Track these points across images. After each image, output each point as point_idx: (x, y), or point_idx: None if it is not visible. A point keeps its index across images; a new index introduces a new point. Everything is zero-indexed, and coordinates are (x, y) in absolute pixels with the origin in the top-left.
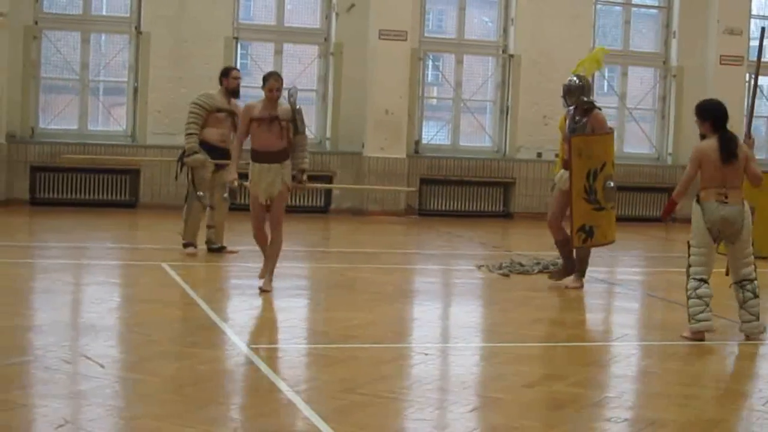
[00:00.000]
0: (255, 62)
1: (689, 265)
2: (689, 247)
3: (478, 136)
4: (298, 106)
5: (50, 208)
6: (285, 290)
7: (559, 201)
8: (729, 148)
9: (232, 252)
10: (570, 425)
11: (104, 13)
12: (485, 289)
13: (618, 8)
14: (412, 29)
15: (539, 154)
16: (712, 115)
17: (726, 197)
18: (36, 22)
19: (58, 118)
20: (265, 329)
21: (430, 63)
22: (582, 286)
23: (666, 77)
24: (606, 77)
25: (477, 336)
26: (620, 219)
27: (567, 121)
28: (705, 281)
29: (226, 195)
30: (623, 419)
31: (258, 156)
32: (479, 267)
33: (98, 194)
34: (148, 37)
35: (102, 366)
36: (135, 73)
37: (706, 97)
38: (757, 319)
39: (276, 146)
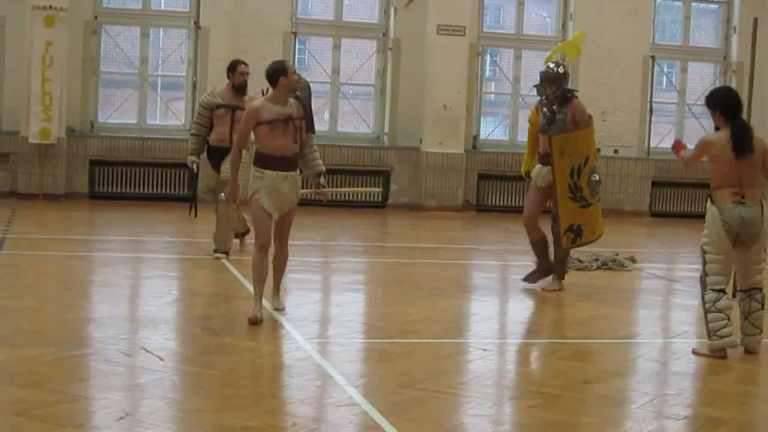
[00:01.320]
0: (313, 57)
1: (705, 274)
2: (704, 253)
3: None
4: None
5: (109, 202)
6: (343, 285)
7: (536, 198)
8: (743, 140)
9: (221, 258)
10: (629, 422)
11: (163, 7)
12: (544, 284)
13: (678, 3)
14: (471, 24)
15: (598, 150)
16: (723, 103)
17: (743, 197)
18: (96, 17)
19: (117, 113)
20: (323, 323)
21: (488, 58)
22: (561, 289)
23: (726, 73)
24: (665, 73)
25: (535, 332)
26: (681, 216)
27: (540, 113)
28: (724, 292)
29: (222, 195)
30: (682, 417)
31: (272, 163)
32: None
33: (156, 188)
34: (207, 31)
35: (161, 359)
36: (194, 67)
37: (766, 94)
38: (761, 332)
39: (292, 150)
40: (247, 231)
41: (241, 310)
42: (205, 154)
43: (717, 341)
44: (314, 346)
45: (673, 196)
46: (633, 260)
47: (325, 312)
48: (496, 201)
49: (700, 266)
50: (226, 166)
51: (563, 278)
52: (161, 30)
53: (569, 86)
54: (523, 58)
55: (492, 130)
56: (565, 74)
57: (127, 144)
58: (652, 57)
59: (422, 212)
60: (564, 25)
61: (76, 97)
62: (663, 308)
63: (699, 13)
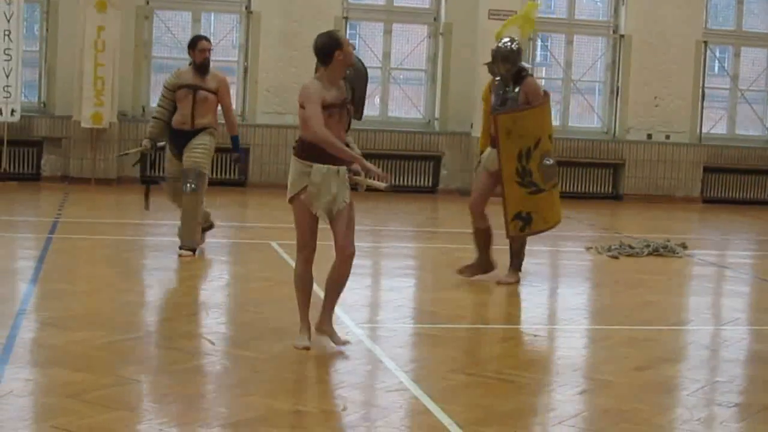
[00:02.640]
0: (365, 42)
1: None
2: None
3: (587, 117)
4: None
5: (160, 187)
6: (393, 270)
7: (484, 183)
8: None
9: (186, 256)
10: (681, 409)
11: None
12: (594, 271)
13: None
14: (521, 9)
15: (649, 136)
16: None
17: None
18: (147, 2)
19: None
20: (374, 308)
21: (540, 43)
22: (518, 281)
23: None
24: (717, 58)
25: (586, 318)
26: (733, 202)
27: (493, 92)
28: None
29: (187, 185)
30: (734, 404)
31: (325, 154)
32: (588, 249)
33: (210, 172)
34: (258, 16)
35: (212, 343)
36: (245, 53)
37: None
38: None
39: (344, 140)
40: (211, 226)
41: (293, 295)
42: (167, 138)
43: None
44: (365, 331)
45: (725, 182)
46: (684, 246)
47: (375, 297)
48: None
49: None
50: (190, 153)
51: (520, 269)
52: (212, 15)
53: (522, 63)
54: (575, 43)
55: None
56: (519, 51)
57: None
58: (705, 42)
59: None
60: (616, 10)
61: (128, 82)
62: (714, 295)
63: None
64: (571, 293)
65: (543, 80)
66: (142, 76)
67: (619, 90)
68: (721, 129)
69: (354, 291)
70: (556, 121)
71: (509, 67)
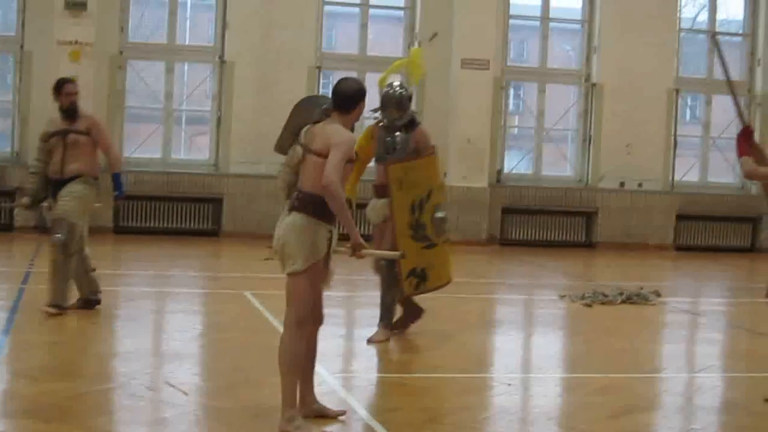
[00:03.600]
0: None
1: None
2: None
3: (560, 166)
4: None
5: (134, 236)
6: (367, 319)
7: (377, 237)
8: None
9: (50, 312)
10: None
11: (188, 42)
12: (568, 319)
13: (702, 36)
14: (495, 58)
15: (622, 184)
16: None
17: None
18: (121, 52)
19: (141, 147)
20: (347, 358)
21: (512, 92)
22: (388, 339)
23: (751, 105)
24: (689, 106)
25: (561, 366)
26: (706, 249)
27: (378, 139)
28: None
29: (56, 236)
30: None
31: (331, 214)
32: (562, 297)
33: (181, 222)
34: (231, 66)
35: (185, 393)
36: (218, 102)
37: None
38: None
39: None
40: (97, 301)
41: (266, 345)
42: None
43: None
44: (339, 381)
45: (698, 229)
46: (657, 294)
47: (349, 346)
48: (520, 235)
49: None
50: (59, 202)
51: (391, 325)
52: (186, 64)
53: (412, 110)
54: (547, 91)
55: (516, 163)
56: (410, 97)
57: (152, 178)
58: (677, 90)
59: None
60: (588, 59)
61: None
62: (688, 342)
63: (723, 46)
64: (545, 341)
65: (516, 129)
66: (116, 125)
67: (591, 138)
68: (693, 176)
69: (328, 340)
70: (528, 169)
71: (402, 113)
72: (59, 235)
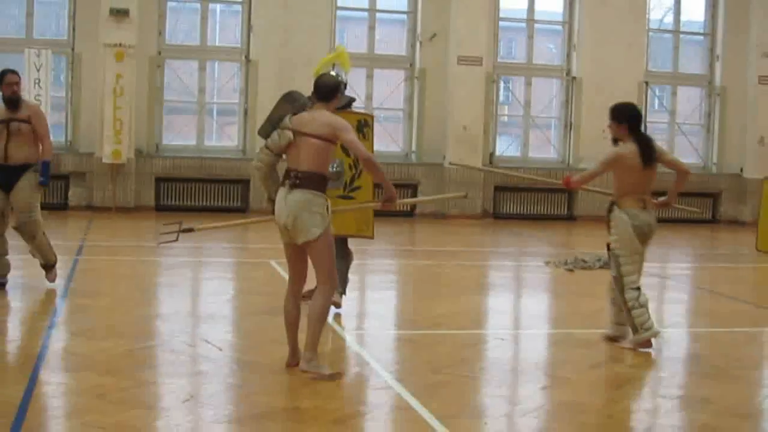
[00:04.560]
0: (349, 85)
1: (621, 275)
2: (617, 257)
3: (545, 149)
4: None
5: (173, 213)
6: (378, 283)
7: None
8: (650, 150)
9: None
10: (629, 401)
11: (218, 44)
12: (553, 282)
13: (668, 35)
14: (487, 55)
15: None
16: (632, 117)
17: (645, 204)
18: (159, 53)
19: (178, 136)
20: (361, 317)
21: (502, 85)
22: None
23: (711, 96)
24: (657, 96)
25: (546, 323)
26: (673, 221)
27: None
28: (640, 289)
29: (23, 217)
30: (676, 396)
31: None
32: (547, 263)
33: (213, 201)
34: (256, 64)
35: (220, 349)
36: (245, 96)
37: (745, 114)
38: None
39: None
40: (55, 263)
41: None
42: None
43: (644, 334)
44: (353, 337)
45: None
46: None
47: (362, 307)
48: (510, 209)
49: (613, 270)
50: (19, 194)
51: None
52: (216, 63)
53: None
54: (533, 84)
55: (506, 147)
56: (345, 83)
57: (188, 163)
58: (646, 82)
59: (446, 220)
60: (569, 55)
61: (143, 122)
62: (657, 302)
63: (686, 43)
64: (532, 302)
65: (506, 117)
66: (155, 117)
67: (572, 125)
68: None
69: (343, 302)
70: (517, 152)
71: (338, 99)
72: (25, 217)
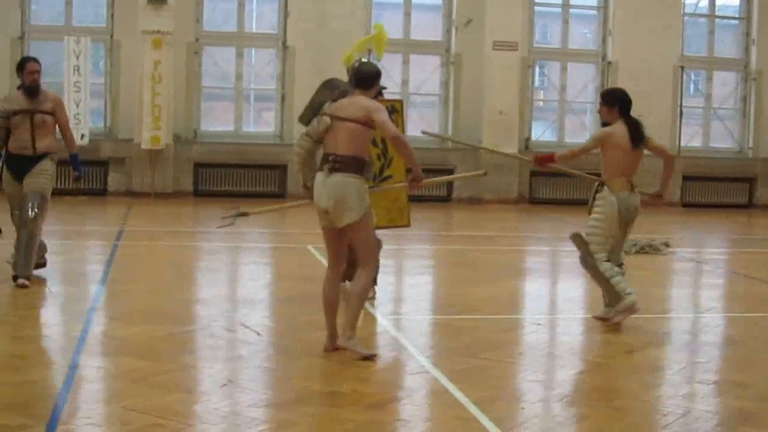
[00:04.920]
0: (385, 71)
1: (591, 253)
2: (593, 234)
3: (580, 134)
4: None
5: (210, 199)
6: (414, 269)
7: None
8: (638, 131)
9: (23, 286)
10: (666, 386)
11: (255, 30)
12: None
13: (703, 20)
14: (522, 40)
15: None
16: (622, 101)
17: (632, 186)
18: (197, 39)
19: (216, 122)
20: (398, 302)
21: (538, 70)
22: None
23: (746, 80)
24: (693, 80)
25: (582, 308)
26: (709, 206)
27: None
28: (610, 261)
29: (36, 210)
30: (712, 381)
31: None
32: None
33: (251, 186)
34: (293, 50)
35: (258, 333)
36: (281, 82)
37: None
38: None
39: None
40: (44, 264)
41: None
42: (3, 165)
43: (627, 299)
44: (390, 322)
45: (702, 188)
46: (667, 245)
47: (399, 292)
48: (546, 194)
49: (581, 249)
50: (34, 179)
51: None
52: (253, 50)
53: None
54: (568, 69)
55: (542, 132)
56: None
57: (225, 148)
58: (681, 67)
59: (481, 205)
60: (604, 40)
61: (181, 108)
62: (693, 287)
63: (722, 27)
64: (568, 287)
65: (541, 102)
66: (193, 104)
67: None
68: (696, 142)
69: (381, 287)
70: (552, 137)
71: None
72: (34, 210)
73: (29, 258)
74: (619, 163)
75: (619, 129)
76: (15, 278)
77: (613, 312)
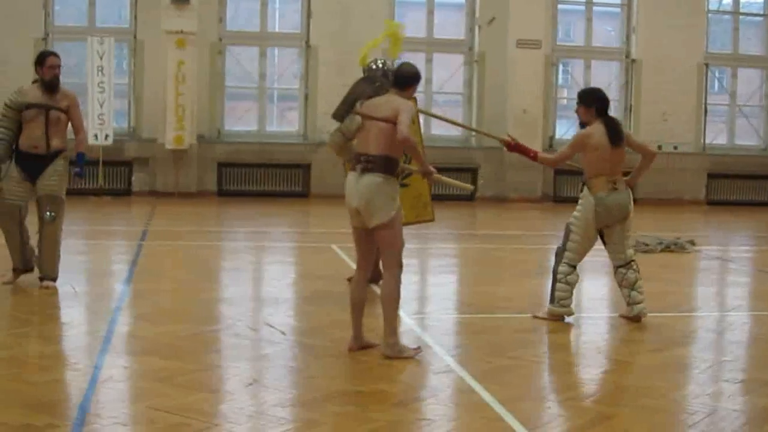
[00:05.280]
0: None
1: (564, 249)
2: (569, 232)
3: None
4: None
5: (234, 198)
6: (438, 267)
7: None
8: (616, 130)
9: (46, 287)
10: (692, 385)
11: (278, 29)
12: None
13: (727, 17)
14: (545, 38)
15: (659, 147)
16: (599, 101)
17: (615, 184)
18: (220, 39)
19: (240, 121)
20: (421, 301)
21: (561, 68)
22: None
23: None
24: (717, 78)
25: (608, 307)
26: (734, 204)
27: None
28: (575, 268)
29: (48, 214)
30: (739, 380)
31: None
32: None
33: (274, 186)
34: (315, 50)
35: (283, 333)
36: (305, 81)
37: None
38: (645, 297)
39: None
40: (31, 269)
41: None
42: (12, 162)
43: (558, 308)
44: (415, 321)
45: (727, 186)
46: (693, 243)
47: (423, 291)
48: (570, 193)
49: (561, 242)
50: (47, 181)
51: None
52: (276, 49)
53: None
54: (592, 67)
55: (566, 131)
56: (391, 70)
57: (249, 148)
58: (706, 64)
59: (506, 204)
60: (628, 38)
61: (205, 108)
62: (719, 285)
63: (746, 24)
64: (593, 285)
65: (565, 100)
66: (217, 103)
67: (632, 107)
68: (721, 140)
69: (404, 287)
70: None
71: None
72: (52, 213)
73: (54, 260)
74: (598, 163)
75: (597, 130)
76: (41, 279)
77: (543, 310)
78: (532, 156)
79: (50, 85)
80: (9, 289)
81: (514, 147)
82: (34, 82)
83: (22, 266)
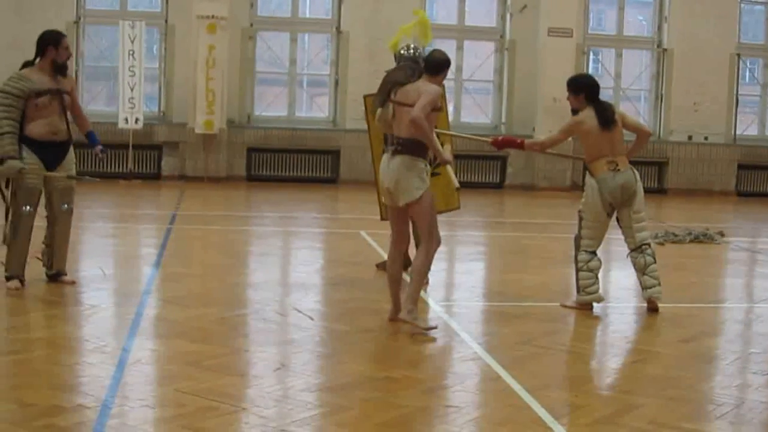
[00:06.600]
0: None
1: (581, 237)
2: (581, 219)
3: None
4: None
5: (263, 183)
6: (467, 255)
7: None
8: (606, 113)
9: (71, 282)
10: (720, 376)
11: (309, 15)
12: None
13: (759, 7)
14: (577, 27)
15: (690, 137)
16: (588, 87)
17: (617, 165)
18: (251, 25)
19: (270, 107)
20: (449, 289)
21: (592, 56)
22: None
23: None
24: (749, 68)
25: (635, 297)
26: (765, 195)
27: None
28: (595, 253)
29: (65, 205)
30: (766, 372)
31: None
32: None
33: (304, 171)
34: (347, 35)
35: (311, 318)
36: (335, 67)
37: None
38: (659, 283)
39: None
40: (61, 274)
41: (379, 277)
42: (24, 152)
43: (585, 297)
44: (443, 309)
45: (758, 177)
46: (722, 234)
47: (451, 279)
48: None
49: (577, 229)
50: (66, 171)
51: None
52: (307, 35)
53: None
54: (623, 56)
55: None
56: (423, 57)
57: (279, 133)
58: (738, 54)
59: (534, 192)
60: (660, 27)
61: (235, 93)
62: (748, 276)
63: None
64: (622, 275)
65: None
66: (247, 89)
67: (663, 97)
68: (753, 131)
69: (433, 273)
70: None
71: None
72: (69, 204)
73: (66, 253)
74: (595, 147)
75: (587, 115)
76: (56, 276)
77: (571, 299)
78: (519, 144)
79: (63, 68)
80: (38, 271)
81: (502, 143)
82: (27, 65)
83: (21, 272)
